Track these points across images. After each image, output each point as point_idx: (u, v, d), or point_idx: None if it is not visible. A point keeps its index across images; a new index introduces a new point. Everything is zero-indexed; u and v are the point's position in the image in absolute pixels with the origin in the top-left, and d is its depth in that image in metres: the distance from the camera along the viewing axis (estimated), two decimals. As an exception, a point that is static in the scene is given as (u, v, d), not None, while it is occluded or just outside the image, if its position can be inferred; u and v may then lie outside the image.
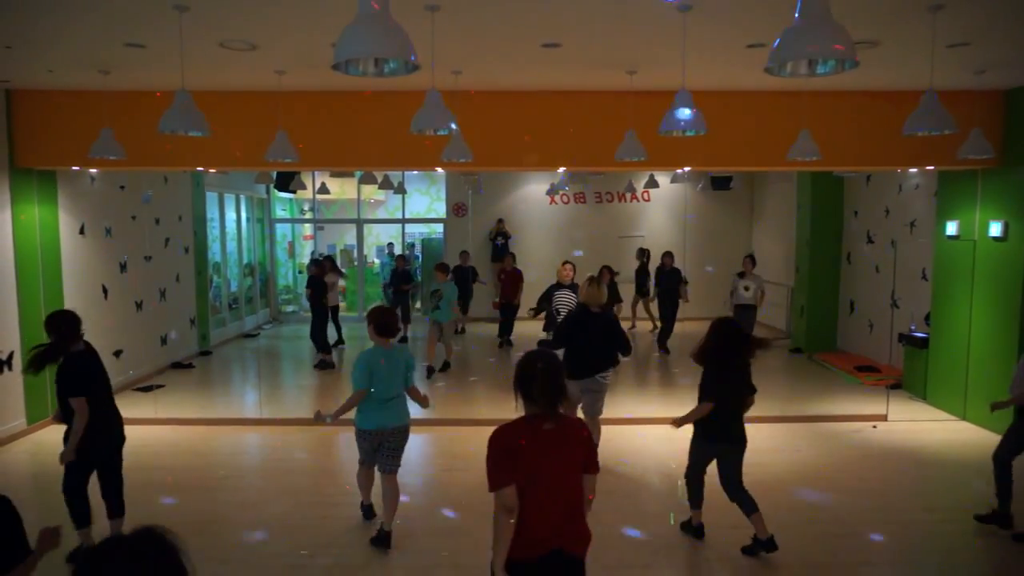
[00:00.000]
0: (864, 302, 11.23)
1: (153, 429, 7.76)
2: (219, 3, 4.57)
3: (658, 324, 13.29)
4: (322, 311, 11.07)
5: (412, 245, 18.20)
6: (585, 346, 6.34)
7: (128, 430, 6.56)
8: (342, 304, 17.29)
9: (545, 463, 2.93)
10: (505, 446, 2.93)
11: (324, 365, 10.88)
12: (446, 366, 10.56)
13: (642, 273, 13.57)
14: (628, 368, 11.05)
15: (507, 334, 12.64)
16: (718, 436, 4.97)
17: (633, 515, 5.64)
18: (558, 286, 8.74)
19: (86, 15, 4.85)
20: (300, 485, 6.40)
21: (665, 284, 11.80)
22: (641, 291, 13.59)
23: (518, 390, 3.00)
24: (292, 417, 8.45)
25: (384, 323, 5.01)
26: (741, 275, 10.48)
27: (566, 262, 8.97)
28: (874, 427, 7.98)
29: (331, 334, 11.66)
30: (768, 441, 7.40)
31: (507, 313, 12.61)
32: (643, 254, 13.68)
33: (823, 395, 9.26)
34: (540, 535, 2.95)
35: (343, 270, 13.80)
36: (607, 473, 6.58)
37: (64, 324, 4.66)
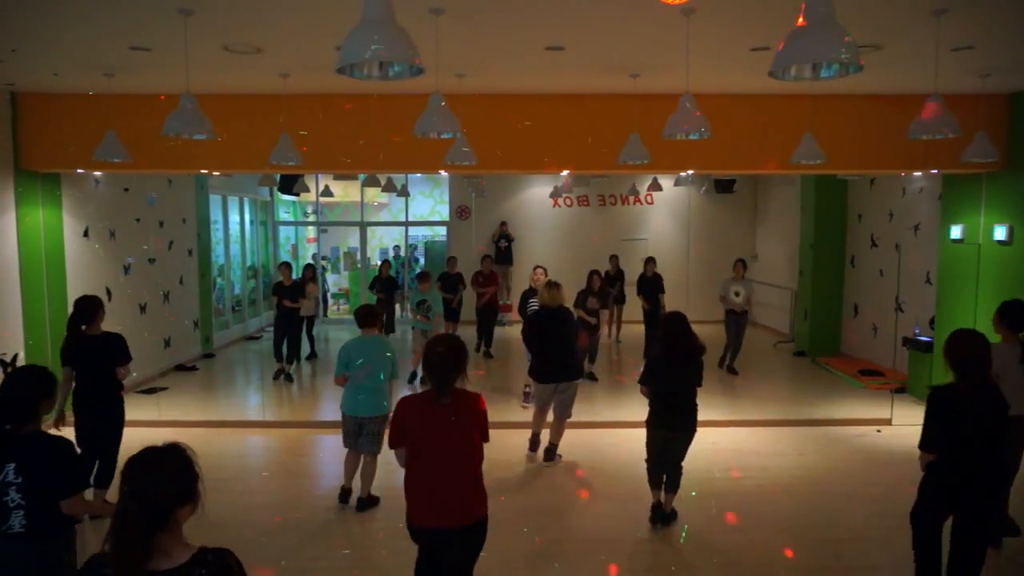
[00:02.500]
0: (868, 306, 11.21)
1: (156, 431, 7.73)
2: (224, 7, 4.58)
3: (613, 333, 13.11)
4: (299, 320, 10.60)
5: (414, 247, 18.19)
6: (547, 347, 6.84)
7: (131, 432, 6.51)
8: (344, 307, 17.40)
9: (430, 437, 3.35)
10: (399, 416, 3.41)
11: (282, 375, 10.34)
12: (413, 376, 9.93)
13: (610, 279, 12.51)
14: (620, 371, 11.04)
15: (487, 342, 11.84)
16: (658, 422, 5.35)
17: (635, 517, 5.63)
18: (533, 291, 8.92)
19: (91, 18, 4.86)
20: (304, 487, 6.40)
21: (645, 292, 11.56)
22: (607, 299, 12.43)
23: (423, 368, 3.42)
24: (296, 419, 8.46)
25: (359, 316, 5.76)
26: (732, 280, 10.47)
27: (537, 267, 9.35)
28: (878, 431, 7.96)
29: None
30: (772, 445, 7.39)
31: (484, 317, 11.74)
32: (613, 260, 13.20)
33: (827, 399, 9.23)
34: (424, 502, 3.37)
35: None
36: (606, 476, 6.59)
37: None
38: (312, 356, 11.83)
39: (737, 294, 10.34)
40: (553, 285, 6.99)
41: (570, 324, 7.02)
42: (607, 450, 7.29)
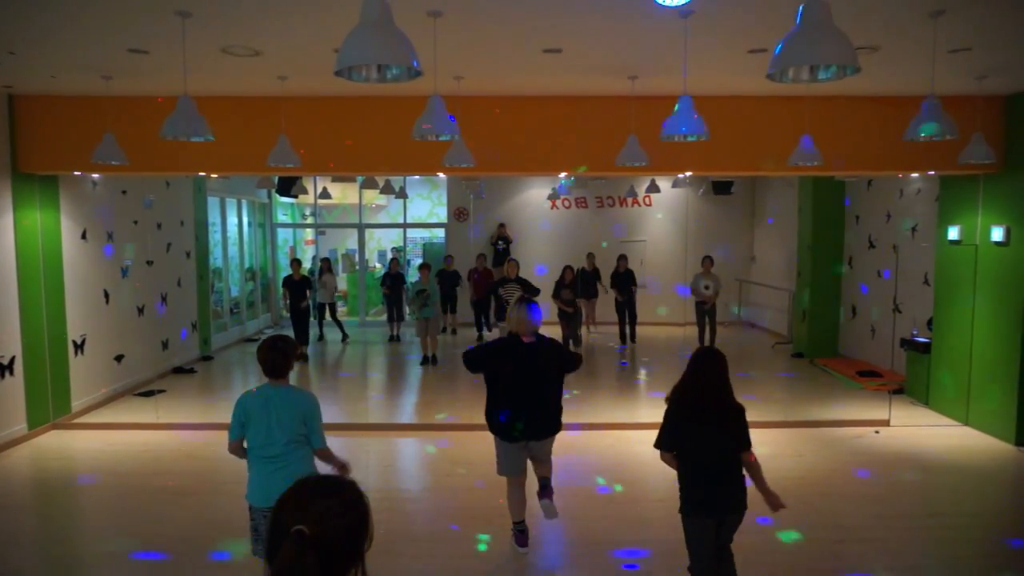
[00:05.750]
0: (866, 307, 11.22)
1: (154, 434, 7.74)
2: (222, 9, 4.59)
3: (592, 326, 14.22)
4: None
5: (397, 248, 18.16)
6: (513, 390, 4.74)
7: (129, 435, 6.63)
8: (343, 308, 17.38)
9: None
10: None
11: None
12: (433, 360, 11.33)
13: (587, 275, 13.52)
14: (616, 374, 11.05)
15: (485, 323, 13.86)
16: (700, 506, 3.82)
17: (635, 521, 5.63)
18: (505, 280, 10.83)
19: (89, 21, 4.86)
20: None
21: (618, 286, 12.94)
22: (585, 293, 13.56)
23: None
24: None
25: (264, 360, 3.94)
26: (702, 275, 11.85)
27: (510, 259, 11.33)
28: (876, 432, 7.96)
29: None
30: (770, 446, 7.38)
31: (479, 308, 13.75)
32: (590, 257, 13.94)
33: (825, 400, 9.24)
34: None
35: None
36: (602, 477, 6.58)
37: None
38: (345, 338, 13.64)
39: (707, 287, 11.72)
40: (522, 304, 4.83)
41: (571, 362, 5.03)
42: (603, 450, 7.28)
